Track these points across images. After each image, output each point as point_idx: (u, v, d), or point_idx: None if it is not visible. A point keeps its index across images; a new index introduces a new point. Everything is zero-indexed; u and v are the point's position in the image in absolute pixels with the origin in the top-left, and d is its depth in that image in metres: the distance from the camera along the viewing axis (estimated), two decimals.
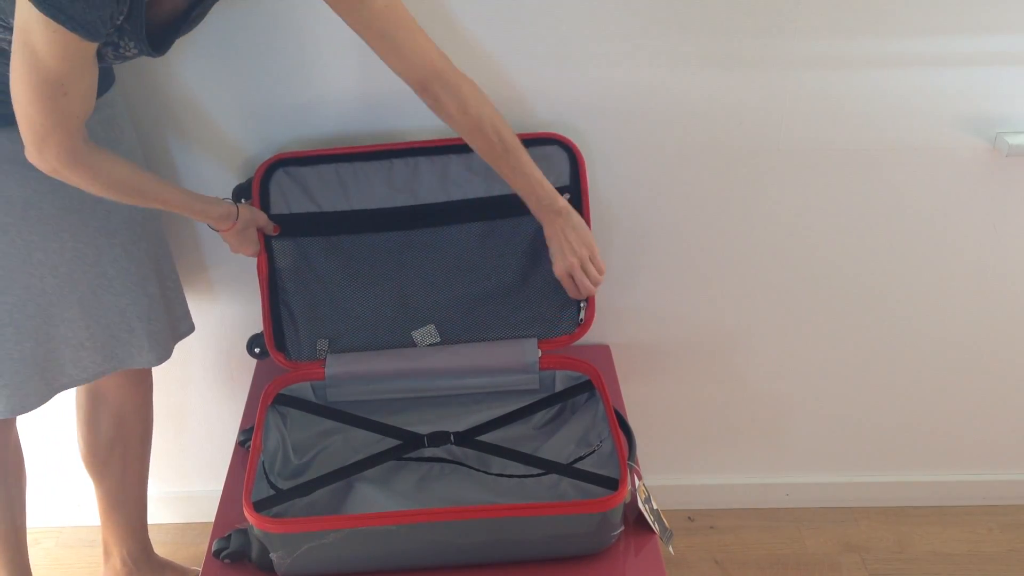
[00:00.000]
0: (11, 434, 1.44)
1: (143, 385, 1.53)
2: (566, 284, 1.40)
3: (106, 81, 1.29)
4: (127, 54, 1.12)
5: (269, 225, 1.41)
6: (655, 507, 1.26)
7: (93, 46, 1.01)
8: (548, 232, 1.37)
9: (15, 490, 1.47)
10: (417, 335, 1.47)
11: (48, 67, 1.00)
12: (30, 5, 0.95)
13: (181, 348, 1.63)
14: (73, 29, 0.97)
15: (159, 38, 1.13)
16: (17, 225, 1.23)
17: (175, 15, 1.13)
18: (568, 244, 1.36)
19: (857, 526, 1.86)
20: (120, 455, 1.54)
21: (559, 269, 1.38)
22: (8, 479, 1.45)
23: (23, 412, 1.31)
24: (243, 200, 1.42)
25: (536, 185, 1.33)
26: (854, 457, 1.84)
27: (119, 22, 1.04)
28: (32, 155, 1.09)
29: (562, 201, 1.35)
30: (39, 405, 1.32)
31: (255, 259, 1.43)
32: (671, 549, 1.26)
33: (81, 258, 1.29)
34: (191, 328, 1.51)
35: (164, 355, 1.44)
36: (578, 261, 1.37)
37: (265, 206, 1.41)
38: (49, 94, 1.03)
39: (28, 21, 0.97)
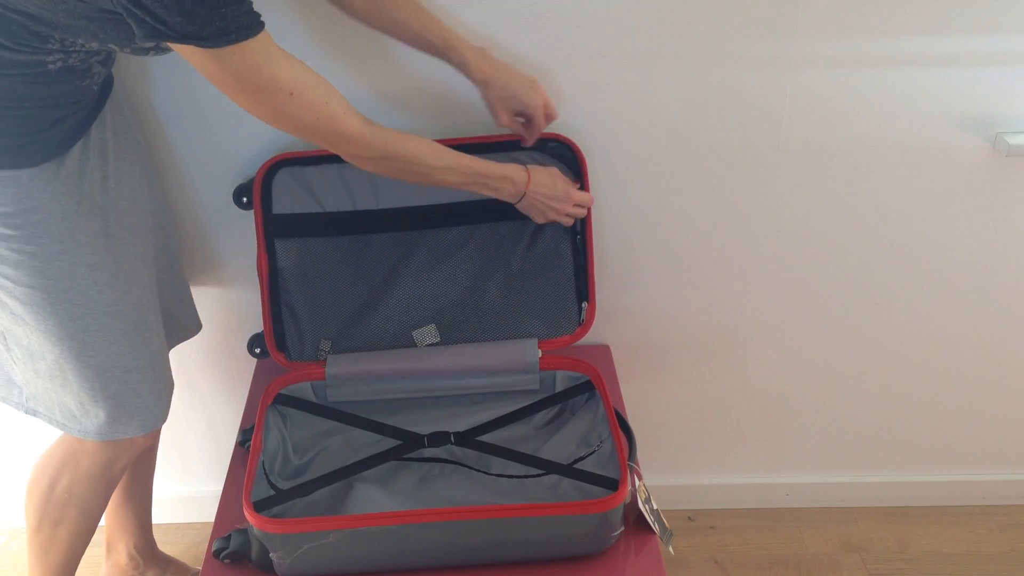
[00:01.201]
0: (128, 468, 1.42)
1: None
2: (538, 120, 1.32)
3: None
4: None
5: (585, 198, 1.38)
6: (655, 507, 1.26)
7: (267, 36, 1.01)
8: (492, 74, 1.27)
9: (95, 523, 1.44)
10: (417, 335, 1.47)
11: (258, 84, 1.01)
12: (207, 52, 0.95)
13: (181, 348, 1.63)
14: (246, 37, 0.97)
15: None
16: (110, 230, 1.22)
17: None
18: (521, 81, 1.29)
19: (857, 526, 1.86)
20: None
21: (538, 100, 1.30)
22: (103, 512, 1.43)
23: (159, 424, 1.34)
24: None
25: (451, 33, 1.27)
26: (854, 457, 1.84)
27: None
28: (349, 157, 1.16)
29: (474, 46, 1.28)
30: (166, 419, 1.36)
31: (257, 260, 1.43)
32: (671, 549, 1.26)
33: (149, 244, 1.32)
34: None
35: (198, 319, 1.50)
36: (541, 92, 1.31)
37: (267, 206, 1.41)
38: (279, 102, 1.04)
39: (212, 67, 0.98)
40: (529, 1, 1.33)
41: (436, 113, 1.42)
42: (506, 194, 1.30)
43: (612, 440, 1.27)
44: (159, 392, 1.32)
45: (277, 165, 1.40)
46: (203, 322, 1.56)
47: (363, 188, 1.41)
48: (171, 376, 1.37)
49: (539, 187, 1.31)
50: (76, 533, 1.40)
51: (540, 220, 1.37)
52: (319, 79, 1.09)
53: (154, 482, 1.66)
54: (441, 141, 1.38)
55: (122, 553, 1.64)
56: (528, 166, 1.32)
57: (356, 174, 1.41)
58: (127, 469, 1.40)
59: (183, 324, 1.49)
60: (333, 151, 1.16)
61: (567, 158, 1.41)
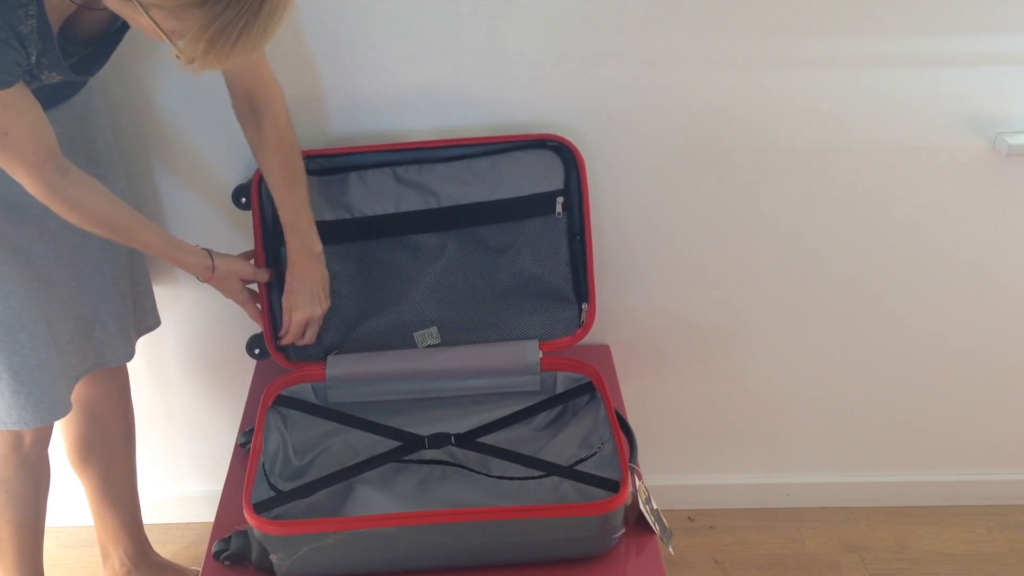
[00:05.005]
0: (46, 446, 1.40)
1: (117, 383, 1.51)
2: (296, 326, 1.39)
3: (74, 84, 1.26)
4: (50, 81, 1.11)
5: (261, 273, 1.40)
6: (655, 507, 1.26)
7: (11, 91, 1.01)
8: (299, 272, 1.37)
9: (43, 504, 1.44)
10: (418, 336, 1.46)
11: None
12: None
13: (181, 348, 1.63)
14: None
15: (84, 63, 1.14)
16: (3, 228, 1.20)
17: (98, 32, 1.13)
18: (317, 293, 1.38)
19: (857, 526, 1.86)
20: (101, 454, 1.52)
21: (304, 314, 1.38)
22: (40, 493, 1.42)
23: (54, 419, 1.30)
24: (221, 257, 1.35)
25: (306, 222, 1.34)
26: (854, 457, 1.84)
27: (34, 60, 1.04)
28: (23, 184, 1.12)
29: (320, 246, 1.36)
30: (66, 412, 1.31)
31: (255, 260, 1.42)
32: (671, 549, 1.26)
33: (61, 259, 1.28)
34: (157, 322, 1.50)
35: (131, 352, 1.43)
36: (320, 313, 1.39)
37: (264, 207, 1.40)
38: None
39: None
40: (529, 1, 1.33)
41: (436, 113, 1.43)
42: (194, 264, 1.31)
43: (613, 442, 1.27)
44: (26, 402, 1.26)
45: None
46: (202, 323, 1.55)
47: (362, 195, 1.41)
48: (54, 392, 1.29)
49: (225, 258, 1.34)
50: (17, 523, 1.39)
51: (235, 296, 1.39)
52: (42, 132, 1.09)
53: (154, 484, 1.66)
54: (442, 141, 1.40)
55: (115, 559, 1.63)
56: (215, 260, 1.33)
57: (358, 177, 1.40)
58: (43, 447, 1.37)
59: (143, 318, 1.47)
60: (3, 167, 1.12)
61: (565, 158, 1.41)
